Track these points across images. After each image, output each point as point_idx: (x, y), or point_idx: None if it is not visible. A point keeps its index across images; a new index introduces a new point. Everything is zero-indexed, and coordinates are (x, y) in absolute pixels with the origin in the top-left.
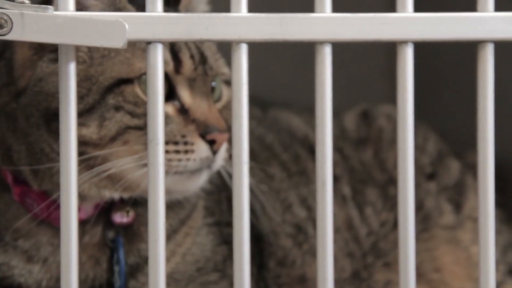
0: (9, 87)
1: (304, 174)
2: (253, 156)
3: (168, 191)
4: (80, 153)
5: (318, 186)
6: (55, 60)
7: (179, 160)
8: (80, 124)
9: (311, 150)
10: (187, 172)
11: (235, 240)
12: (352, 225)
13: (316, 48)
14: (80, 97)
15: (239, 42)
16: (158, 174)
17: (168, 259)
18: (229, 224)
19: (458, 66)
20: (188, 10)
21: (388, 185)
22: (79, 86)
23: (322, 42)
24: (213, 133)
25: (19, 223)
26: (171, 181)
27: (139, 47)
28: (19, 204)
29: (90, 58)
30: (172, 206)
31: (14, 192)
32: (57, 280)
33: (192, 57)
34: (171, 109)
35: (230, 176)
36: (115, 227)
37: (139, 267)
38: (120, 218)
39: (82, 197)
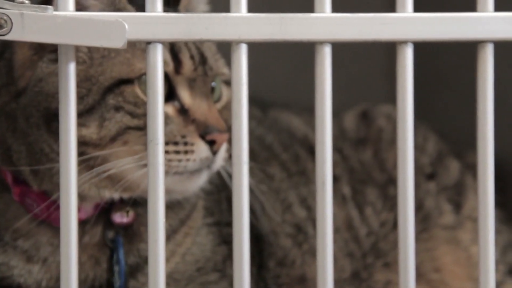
0: (9, 87)
1: (304, 174)
2: (253, 156)
3: (168, 191)
4: (80, 154)
5: (318, 186)
6: (55, 61)
7: (179, 160)
8: (80, 125)
9: (310, 150)
10: (187, 172)
11: (235, 240)
12: (352, 225)
13: (316, 48)
14: (80, 98)
15: (239, 42)
16: (158, 174)
17: (168, 259)
18: (229, 224)
19: (458, 66)
20: (187, 10)
21: (388, 185)
22: (79, 87)
23: (322, 42)
24: (213, 134)
25: (19, 223)
26: (171, 181)
27: (139, 48)
28: (19, 204)
29: (90, 58)
30: (171, 206)
31: (14, 192)
32: (57, 280)
33: (192, 57)
34: (171, 109)
35: (230, 176)
36: (115, 227)
37: (139, 267)
38: (120, 218)
39: (82, 197)
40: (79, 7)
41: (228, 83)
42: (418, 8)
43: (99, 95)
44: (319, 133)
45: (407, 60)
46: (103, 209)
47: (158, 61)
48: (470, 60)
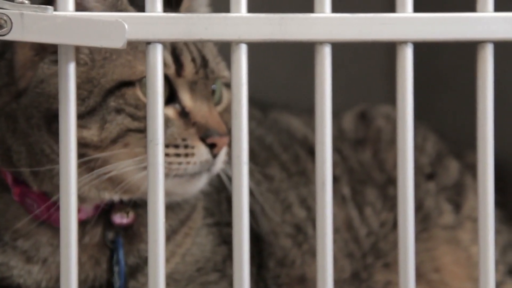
0: (9, 87)
1: (304, 175)
2: (253, 156)
3: (167, 194)
4: (81, 155)
5: (317, 186)
6: (57, 62)
7: (179, 163)
8: (81, 126)
9: (310, 151)
10: (187, 175)
11: (234, 240)
12: (352, 225)
13: (315, 48)
14: (82, 99)
15: (238, 42)
16: (158, 174)
17: (167, 260)
18: (228, 224)
19: (458, 66)
20: (189, 12)
21: (387, 185)
22: (80, 88)
23: (321, 42)
24: (213, 137)
25: (20, 224)
26: (171, 184)
27: (141, 50)
28: (18, 204)
29: (92, 60)
30: (171, 207)
31: (13, 192)
32: (57, 280)
33: (193, 60)
34: (172, 112)
35: (230, 179)
36: (115, 228)
37: (139, 268)
38: (120, 218)
39: (82, 199)
40: (81, 8)
41: (228, 85)
42: (418, 8)
43: (101, 97)
44: (319, 133)
45: (407, 60)
46: (103, 210)
47: (158, 61)
48: (470, 60)
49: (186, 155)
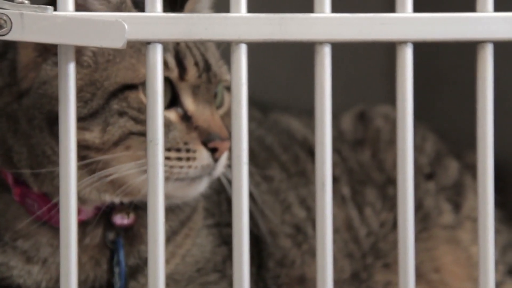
0: (11, 88)
1: (303, 175)
2: (253, 156)
3: (168, 197)
4: (82, 158)
5: (317, 186)
6: None
7: (181, 167)
8: (83, 129)
9: (310, 151)
10: (188, 179)
11: (234, 240)
12: (352, 225)
13: (315, 48)
14: (84, 102)
15: (238, 42)
16: (158, 175)
17: (168, 261)
18: (228, 224)
19: (458, 66)
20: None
21: (387, 185)
22: (83, 91)
23: (321, 42)
24: (215, 141)
25: (21, 225)
26: (172, 187)
27: (144, 53)
28: (19, 204)
29: (95, 62)
30: (172, 208)
31: (14, 192)
32: (57, 281)
33: (196, 64)
34: (174, 116)
35: (230, 182)
36: (115, 229)
37: (139, 269)
38: (120, 219)
39: (82, 201)
40: (84, 10)
41: (230, 89)
42: (418, 8)
43: (103, 100)
44: (319, 133)
45: (406, 60)
46: (104, 211)
47: (157, 61)
48: (470, 60)
49: (188, 159)
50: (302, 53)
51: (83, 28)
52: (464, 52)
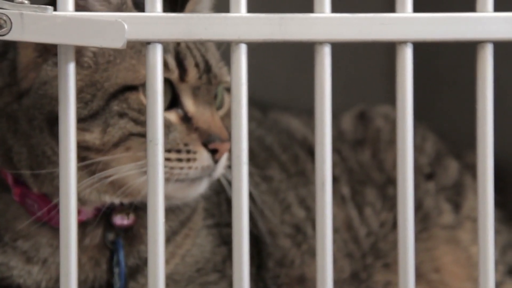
0: (11, 88)
1: (303, 175)
2: (253, 156)
3: (168, 197)
4: (82, 159)
5: (317, 186)
6: None
7: (181, 168)
8: (83, 130)
9: (310, 151)
10: (188, 180)
11: (234, 240)
12: (352, 225)
13: (315, 48)
14: (85, 103)
15: (238, 42)
16: (157, 175)
17: (167, 261)
18: (228, 225)
19: (458, 66)
20: None
21: (387, 185)
22: (83, 92)
23: (321, 42)
24: (215, 142)
25: (21, 226)
26: (171, 188)
27: (144, 54)
28: (19, 204)
29: (96, 63)
30: (172, 208)
31: (14, 192)
32: (57, 281)
33: (197, 65)
34: (174, 117)
35: (229, 183)
36: (115, 229)
37: (139, 269)
38: (120, 220)
39: (82, 202)
40: (85, 10)
41: (230, 90)
42: (418, 8)
43: (104, 101)
44: (319, 133)
45: (406, 60)
46: (103, 212)
47: (157, 61)
48: (470, 60)
49: (188, 160)
50: (302, 53)
51: (83, 28)
52: (464, 52)
